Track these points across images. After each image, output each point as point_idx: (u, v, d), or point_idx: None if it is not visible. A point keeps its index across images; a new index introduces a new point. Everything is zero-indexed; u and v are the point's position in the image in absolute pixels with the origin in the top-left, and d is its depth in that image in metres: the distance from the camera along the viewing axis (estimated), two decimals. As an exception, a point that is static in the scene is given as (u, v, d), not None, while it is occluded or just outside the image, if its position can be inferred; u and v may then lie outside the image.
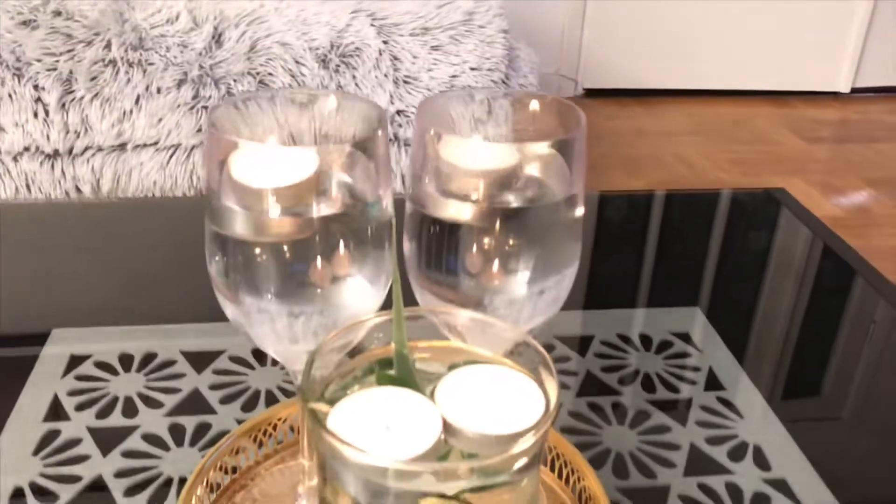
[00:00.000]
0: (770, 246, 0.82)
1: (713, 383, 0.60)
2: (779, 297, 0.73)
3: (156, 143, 1.25)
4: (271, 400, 0.56)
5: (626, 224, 0.86)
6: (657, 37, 2.55)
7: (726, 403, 0.58)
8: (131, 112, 1.24)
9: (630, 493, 0.50)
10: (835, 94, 2.66)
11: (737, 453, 0.53)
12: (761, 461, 0.53)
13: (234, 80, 1.26)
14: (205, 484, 0.46)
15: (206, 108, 1.25)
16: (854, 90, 2.66)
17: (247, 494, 0.48)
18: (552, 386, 0.34)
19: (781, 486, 0.51)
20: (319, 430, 0.31)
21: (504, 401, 0.34)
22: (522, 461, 0.32)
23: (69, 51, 1.22)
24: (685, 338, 0.64)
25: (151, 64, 1.24)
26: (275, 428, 0.50)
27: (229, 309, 0.40)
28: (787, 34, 2.59)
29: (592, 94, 2.54)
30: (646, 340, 0.64)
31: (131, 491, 0.48)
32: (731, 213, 0.87)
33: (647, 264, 0.78)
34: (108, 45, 1.23)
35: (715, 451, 0.54)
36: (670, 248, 0.81)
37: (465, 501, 0.33)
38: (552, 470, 0.50)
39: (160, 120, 1.25)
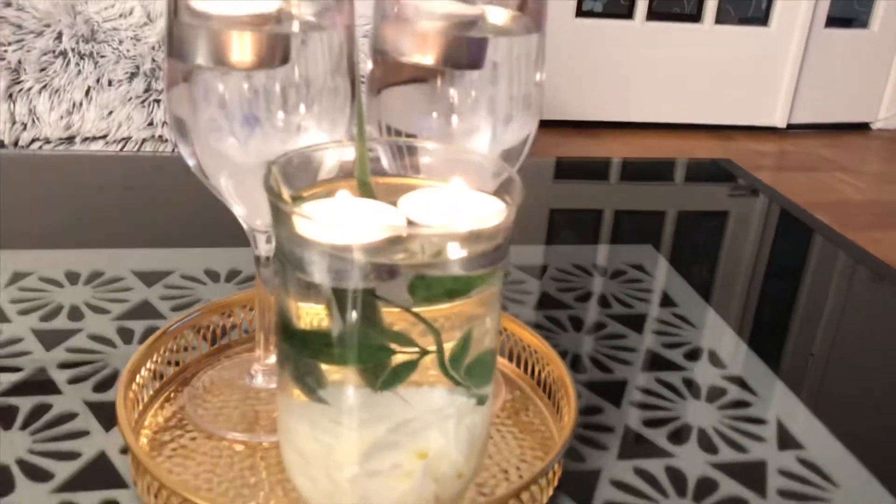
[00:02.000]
0: (719, 201, 0.84)
1: (667, 303, 0.60)
2: (728, 236, 0.75)
3: (105, 137, 1.24)
4: (223, 311, 0.54)
5: (583, 184, 0.87)
6: (602, 72, 2.62)
7: (681, 318, 0.58)
8: (81, 104, 1.22)
9: (587, 386, 0.50)
10: (772, 129, 2.76)
11: (692, 355, 0.54)
12: (717, 362, 0.53)
13: (187, 75, 1.25)
14: (148, 367, 0.44)
15: (157, 101, 1.24)
16: (790, 126, 2.77)
17: (195, 381, 0.46)
18: (516, 192, 0.33)
19: (737, 381, 0.51)
20: (284, 208, 0.30)
21: (468, 210, 0.34)
22: (481, 247, 0.31)
23: (18, 41, 1.20)
24: (638, 268, 0.65)
25: (103, 56, 1.23)
26: (230, 316, 0.49)
27: (191, 160, 0.39)
28: (724, 71, 2.69)
29: (541, 125, 2.58)
30: (600, 270, 0.64)
31: (76, 380, 0.46)
32: (682, 176, 0.89)
33: (604, 217, 0.79)
34: (58, 37, 1.22)
35: (671, 353, 0.54)
36: (625, 203, 0.82)
37: (420, 318, 0.33)
38: (510, 360, 0.49)
39: (111, 113, 1.23)
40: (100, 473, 0.40)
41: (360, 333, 0.33)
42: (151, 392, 0.44)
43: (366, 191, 0.36)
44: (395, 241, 0.31)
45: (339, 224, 0.30)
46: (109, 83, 1.23)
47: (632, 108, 2.65)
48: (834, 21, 2.69)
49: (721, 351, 0.54)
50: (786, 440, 0.46)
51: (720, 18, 2.65)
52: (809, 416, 0.48)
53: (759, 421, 0.48)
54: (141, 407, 0.43)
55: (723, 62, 2.67)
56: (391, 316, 0.33)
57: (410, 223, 0.32)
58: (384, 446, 0.34)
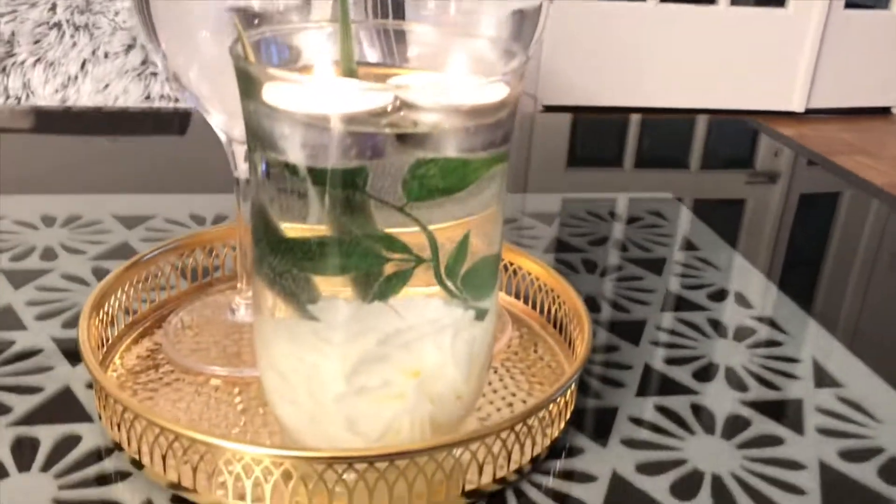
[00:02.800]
0: (744, 155, 0.80)
1: (689, 247, 0.56)
2: (751, 185, 0.71)
3: (101, 110, 1.20)
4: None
5: (601, 137, 0.83)
6: (614, 55, 2.57)
7: (704, 261, 0.54)
8: (76, 77, 1.19)
9: (603, 326, 0.46)
10: (790, 114, 2.71)
11: (717, 297, 0.49)
12: (744, 303, 0.49)
13: (186, 47, 1.22)
14: (118, 296, 0.40)
15: (154, 74, 1.21)
16: (808, 111, 2.71)
17: (172, 317, 0.42)
18: (520, 67, 0.29)
19: (767, 321, 0.47)
20: (253, 72, 0.26)
21: (467, 89, 0.30)
22: (481, 122, 0.27)
23: (11, 12, 1.17)
24: (657, 214, 0.61)
25: (99, 28, 1.20)
26: (211, 253, 0.45)
27: (158, 56, 0.35)
28: (740, 54, 2.63)
29: (551, 110, 2.55)
30: (617, 217, 0.60)
31: (44, 317, 0.43)
32: (706, 132, 0.85)
33: (623, 168, 0.74)
34: (52, 8, 1.18)
35: (694, 294, 0.49)
36: (646, 154, 0.78)
37: (414, 218, 0.29)
38: (517, 297, 0.45)
39: (107, 86, 1.20)
40: (63, 408, 0.36)
41: (348, 234, 0.28)
42: (123, 326, 0.40)
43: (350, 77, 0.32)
44: (381, 115, 0.27)
45: (316, 89, 0.26)
46: (105, 55, 1.20)
47: (644, 92, 2.60)
48: (853, 3, 2.63)
49: (748, 292, 0.50)
50: (822, 378, 0.42)
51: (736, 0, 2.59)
52: (846, 354, 0.44)
53: (792, 360, 0.43)
54: (111, 340, 0.39)
55: (738, 45, 2.61)
56: (384, 223, 0.29)
57: (402, 101, 0.28)
58: (373, 360, 0.30)
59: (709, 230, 0.59)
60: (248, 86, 0.27)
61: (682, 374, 0.41)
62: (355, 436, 0.30)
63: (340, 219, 0.28)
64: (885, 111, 2.83)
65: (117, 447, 0.33)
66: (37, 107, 1.07)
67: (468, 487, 0.32)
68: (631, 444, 0.36)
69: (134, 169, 0.65)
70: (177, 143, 0.73)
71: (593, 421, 0.37)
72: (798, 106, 2.69)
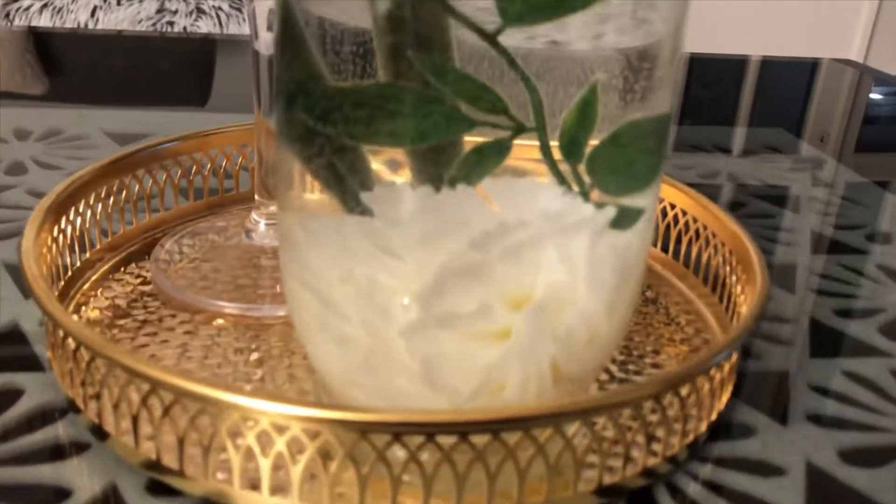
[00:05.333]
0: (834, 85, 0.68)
1: (822, 183, 0.44)
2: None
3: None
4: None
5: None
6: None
7: (846, 198, 0.42)
8: (86, 25, 1.09)
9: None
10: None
11: (879, 238, 0.38)
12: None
13: (205, -7, 1.11)
14: (90, 203, 0.29)
15: (171, 23, 1.10)
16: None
17: (166, 240, 0.31)
18: None
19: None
20: None
21: None
22: None
23: (16, -49, 1.07)
24: (772, 149, 0.49)
25: (111, -30, 1.09)
26: (223, 166, 0.34)
27: None
28: (792, 6, 2.50)
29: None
30: (723, 149, 0.49)
31: (-5, 239, 0.32)
32: (806, 76, 0.73)
33: (721, 99, 0.63)
34: (61, -52, 1.08)
35: (847, 235, 0.38)
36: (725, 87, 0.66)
37: (508, 56, 0.18)
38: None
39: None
40: (5, 352, 0.25)
41: (416, 80, 0.17)
42: (98, 248, 0.29)
43: None
44: None
45: None
46: (118, 2, 1.10)
47: (689, 38, 2.46)
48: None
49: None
50: None
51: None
52: None
53: None
54: (79, 264, 0.28)
55: (791, 9, 2.47)
56: (470, 65, 0.18)
57: None
58: (462, 273, 0.19)
59: (837, 163, 0.47)
60: None
61: (865, 330, 0.30)
62: (435, 392, 0.19)
63: (407, 49, 0.17)
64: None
65: (72, 407, 0.22)
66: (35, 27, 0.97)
67: (606, 480, 0.20)
68: (822, 421, 0.25)
69: (136, 79, 0.54)
70: (186, 63, 0.62)
71: (762, 390, 0.26)
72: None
